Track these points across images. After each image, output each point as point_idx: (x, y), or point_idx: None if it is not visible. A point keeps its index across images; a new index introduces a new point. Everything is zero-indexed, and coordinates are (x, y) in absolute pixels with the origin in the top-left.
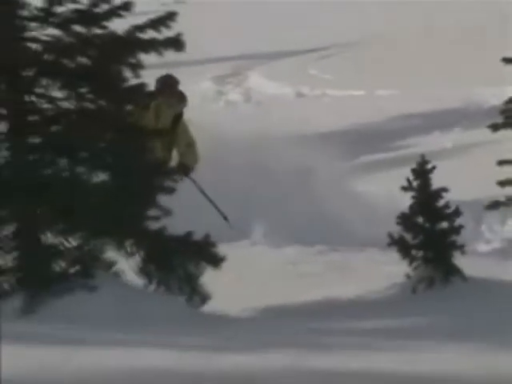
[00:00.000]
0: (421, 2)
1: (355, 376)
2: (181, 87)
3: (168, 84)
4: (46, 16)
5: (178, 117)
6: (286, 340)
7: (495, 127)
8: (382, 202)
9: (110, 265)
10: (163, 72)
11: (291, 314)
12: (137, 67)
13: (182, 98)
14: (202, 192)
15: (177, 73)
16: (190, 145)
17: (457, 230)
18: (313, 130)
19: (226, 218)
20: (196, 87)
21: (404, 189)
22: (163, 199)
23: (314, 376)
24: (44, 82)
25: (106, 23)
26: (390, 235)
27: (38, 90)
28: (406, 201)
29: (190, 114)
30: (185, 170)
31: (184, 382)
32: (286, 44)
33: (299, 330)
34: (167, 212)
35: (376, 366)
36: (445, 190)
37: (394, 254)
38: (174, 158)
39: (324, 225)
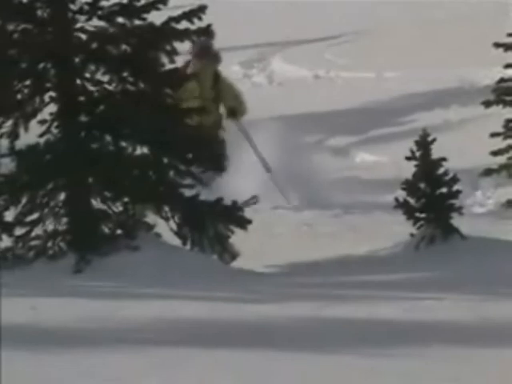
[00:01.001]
0: None
1: (365, 323)
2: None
3: (203, 47)
4: (92, 9)
5: (217, 74)
6: (304, 292)
7: (488, 104)
8: (389, 170)
9: (151, 227)
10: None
11: (309, 269)
12: (172, 54)
13: (216, 57)
14: (249, 140)
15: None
16: (237, 97)
17: (455, 194)
18: (328, 108)
19: (269, 170)
20: (226, 71)
21: (408, 158)
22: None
23: (330, 324)
24: (91, 67)
25: (145, 15)
26: (396, 199)
27: (86, 75)
28: (410, 169)
29: None
30: (233, 114)
31: (216, 331)
32: (304, 32)
33: (316, 283)
34: (201, 181)
35: (382, 314)
36: (444, 159)
37: (399, 216)
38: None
39: (338, 191)
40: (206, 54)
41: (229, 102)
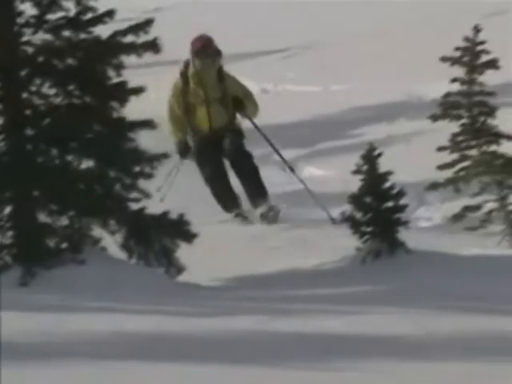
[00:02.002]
0: (369, 5)
1: (310, 336)
2: (159, 85)
3: (203, 45)
4: (38, 23)
5: (221, 71)
6: (251, 306)
7: (434, 118)
8: (336, 183)
9: (97, 241)
10: (142, 72)
11: (256, 283)
12: (119, 67)
13: (217, 53)
14: (266, 139)
15: (157, 72)
16: (247, 95)
17: (401, 208)
18: (276, 121)
19: (292, 169)
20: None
21: (354, 172)
22: None
23: (276, 337)
24: (37, 80)
25: (91, 29)
26: (343, 213)
27: (32, 88)
28: (357, 182)
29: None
30: (242, 109)
31: (163, 344)
32: (252, 46)
33: (263, 297)
34: (147, 195)
35: (328, 328)
36: (390, 173)
37: (346, 230)
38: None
39: (286, 204)
40: (207, 51)
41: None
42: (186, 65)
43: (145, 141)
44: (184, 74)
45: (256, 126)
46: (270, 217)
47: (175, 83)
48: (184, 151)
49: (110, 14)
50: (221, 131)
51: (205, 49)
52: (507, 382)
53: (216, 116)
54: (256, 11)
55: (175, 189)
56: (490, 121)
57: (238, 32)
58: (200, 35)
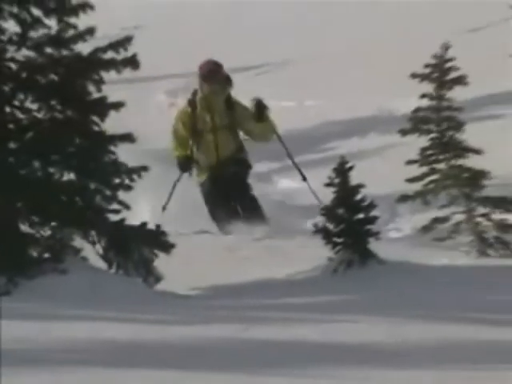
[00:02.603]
0: (342, 25)
1: (284, 344)
2: (138, 100)
3: (211, 70)
4: (21, 40)
5: (230, 99)
6: (227, 314)
7: (404, 132)
8: (309, 196)
9: (77, 251)
10: (123, 87)
11: (231, 292)
12: (99, 83)
13: (227, 81)
14: (285, 148)
15: (136, 87)
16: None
17: (372, 219)
18: None
19: (305, 178)
20: (151, 100)
21: (327, 185)
22: None
23: (252, 345)
24: (20, 95)
25: (72, 46)
26: (315, 225)
27: (15, 103)
28: (328, 195)
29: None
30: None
31: (142, 351)
32: (228, 61)
33: (238, 306)
34: (126, 206)
35: (301, 335)
36: (361, 186)
37: (318, 241)
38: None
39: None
40: (215, 77)
41: (250, 125)
42: (194, 92)
43: (124, 154)
44: (192, 102)
45: (280, 139)
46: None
47: (182, 109)
48: (185, 166)
49: (90, 31)
50: (228, 161)
51: (212, 74)
52: None
53: (223, 144)
54: (233, 30)
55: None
56: (457, 135)
57: (216, 49)
58: (208, 60)
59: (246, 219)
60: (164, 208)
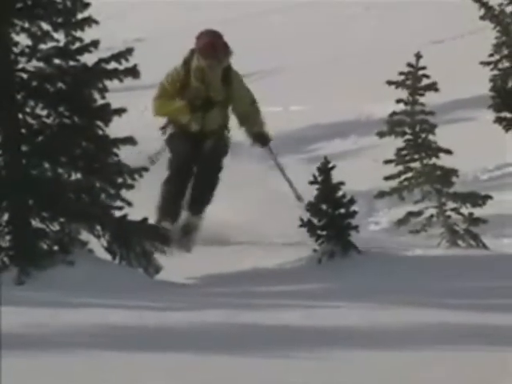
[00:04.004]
0: (325, 36)
1: (271, 328)
2: (136, 108)
3: (209, 47)
4: (32, 52)
5: (228, 70)
6: (220, 301)
7: (381, 134)
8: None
9: (84, 244)
10: (124, 94)
11: (224, 281)
12: (103, 91)
13: (225, 53)
14: (279, 167)
15: (136, 95)
16: (255, 102)
17: (352, 214)
18: (239, 138)
19: (299, 198)
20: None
21: (311, 183)
22: None
23: (244, 328)
24: (31, 102)
25: (78, 57)
26: (301, 219)
27: (27, 109)
28: (312, 192)
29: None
30: (262, 139)
31: (145, 335)
32: None
33: (231, 293)
34: (129, 203)
35: (286, 320)
36: (342, 183)
37: (304, 234)
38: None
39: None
40: (213, 54)
41: (245, 106)
42: (192, 52)
43: (125, 156)
44: (187, 62)
45: (272, 153)
46: (185, 244)
47: (175, 68)
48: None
49: (94, 44)
50: (209, 133)
51: (210, 51)
52: (443, 367)
53: (211, 119)
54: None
55: None
56: (430, 137)
57: None
58: (207, 30)
59: (192, 195)
60: (152, 161)
